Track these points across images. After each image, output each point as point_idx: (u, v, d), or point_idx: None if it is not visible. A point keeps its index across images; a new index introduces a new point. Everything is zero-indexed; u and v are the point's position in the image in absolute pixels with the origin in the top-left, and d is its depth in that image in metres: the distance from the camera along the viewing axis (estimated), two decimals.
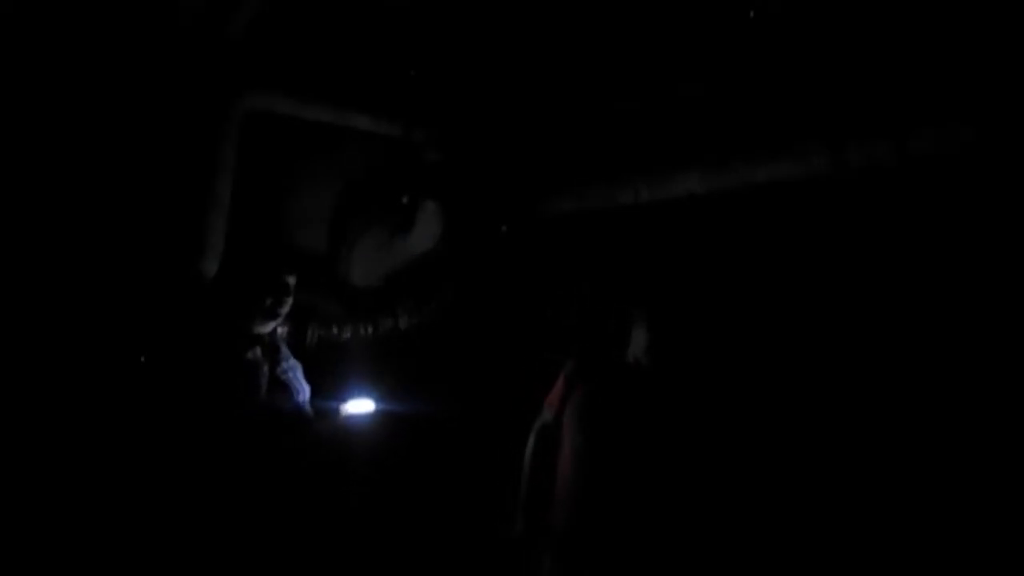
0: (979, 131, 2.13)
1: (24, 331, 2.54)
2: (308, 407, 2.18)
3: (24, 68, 2.52)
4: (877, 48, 2.34)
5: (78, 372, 2.55)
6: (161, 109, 2.79)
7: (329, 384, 2.31)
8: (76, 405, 2.46)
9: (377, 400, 2.26)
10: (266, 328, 2.18)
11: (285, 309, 2.18)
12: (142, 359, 2.27)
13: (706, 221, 2.86)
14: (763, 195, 2.64)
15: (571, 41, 2.65)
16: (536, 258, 3.44)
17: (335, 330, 3.08)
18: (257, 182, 3.05)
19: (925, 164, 2.26)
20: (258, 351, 2.14)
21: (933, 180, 2.32)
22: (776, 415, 2.51)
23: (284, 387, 2.15)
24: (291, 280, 2.18)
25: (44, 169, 2.64)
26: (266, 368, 2.13)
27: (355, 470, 2.20)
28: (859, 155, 2.35)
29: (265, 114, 2.94)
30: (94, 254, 2.71)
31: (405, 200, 3.34)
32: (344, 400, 2.23)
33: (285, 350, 2.24)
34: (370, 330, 3.14)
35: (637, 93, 2.84)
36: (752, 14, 2.31)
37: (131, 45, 2.61)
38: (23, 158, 2.60)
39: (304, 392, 2.19)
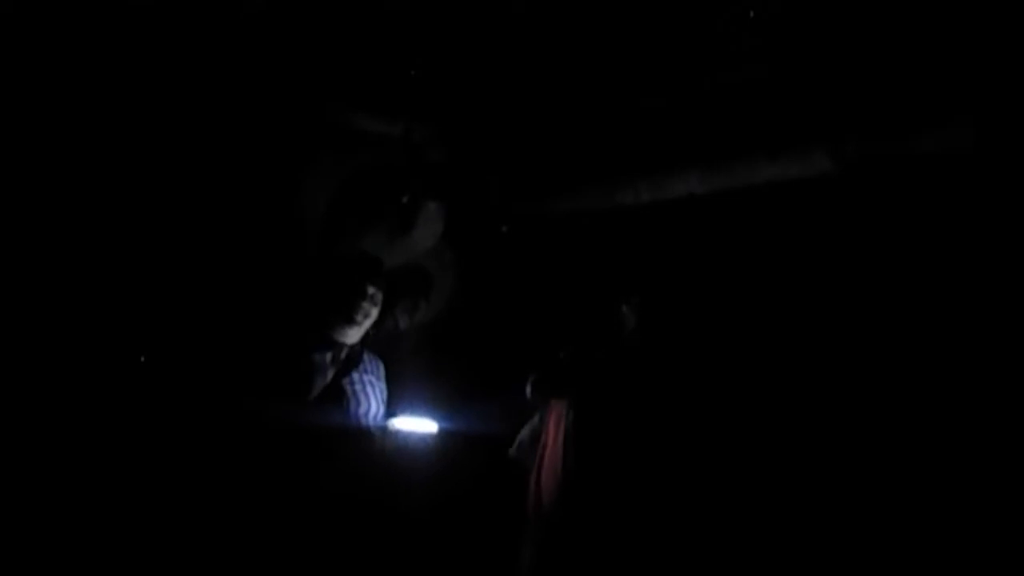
0: (979, 131, 2.13)
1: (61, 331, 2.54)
2: (365, 421, 2.12)
3: (22, 67, 2.52)
4: (877, 48, 2.34)
5: (102, 369, 2.55)
6: (163, 108, 2.80)
7: None
8: (94, 401, 2.46)
9: (431, 417, 2.20)
10: (348, 337, 2.15)
11: (363, 318, 2.14)
12: (142, 359, 2.27)
13: (707, 221, 2.86)
14: (764, 195, 2.64)
15: (572, 42, 2.65)
16: (536, 258, 3.44)
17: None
18: (257, 182, 3.05)
19: (925, 164, 2.27)
20: (327, 356, 2.10)
21: (932, 180, 2.32)
22: (776, 415, 2.51)
23: (343, 397, 2.10)
24: (371, 290, 2.14)
25: (53, 169, 2.65)
26: (330, 374, 2.10)
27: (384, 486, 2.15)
28: (859, 155, 2.35)
29: (266, 114, 2.95)
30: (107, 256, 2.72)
31: (405, 200, 3.33)
32: (395, 415, 2.19)
33: (370, 363, 2.20)
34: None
35: (637, 93, 2.84)
36: (752, 14, 2.31)
37: (129, 48, 2.61)
38: (32, 158, 2.61)
39: (367, 406, 2.13)
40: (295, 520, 1.95)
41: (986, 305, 2.29)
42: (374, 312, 2.18)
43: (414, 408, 2.24)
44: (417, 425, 2.18)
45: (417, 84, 2.99)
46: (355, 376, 2.14)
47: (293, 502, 1.96)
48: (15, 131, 2.57)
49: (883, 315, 2.47)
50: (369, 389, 2.15)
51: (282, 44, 2.76)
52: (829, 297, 2.59)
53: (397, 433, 2.16)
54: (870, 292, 2.51)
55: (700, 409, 2.27)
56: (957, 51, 2.21)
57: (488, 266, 3.50)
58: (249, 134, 2.97)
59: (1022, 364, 2.19)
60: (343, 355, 2.15)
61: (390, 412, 2.22)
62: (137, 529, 2.19)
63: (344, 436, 2.07)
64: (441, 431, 2.22)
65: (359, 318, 2.14)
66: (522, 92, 3.04)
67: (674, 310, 2.40)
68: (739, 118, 2.66)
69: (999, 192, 2.24)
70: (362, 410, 2.12)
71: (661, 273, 2.62)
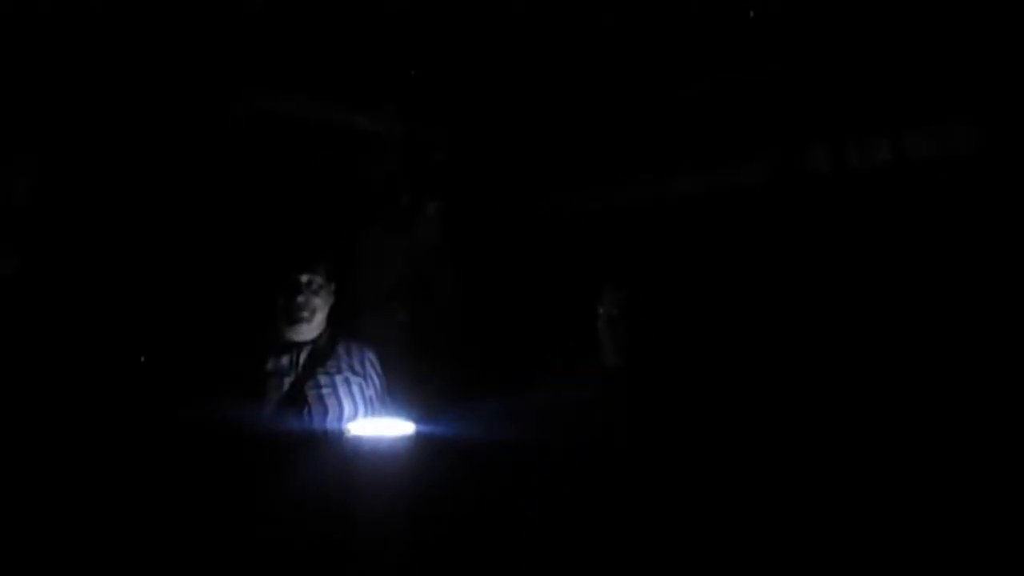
0: (978, 133, 2.13)
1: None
2: (337, 426, 1.90)
3: (22, 67, 2.52)
4: (877, 48, 2.34)
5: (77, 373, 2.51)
6: (162, 107, 2.80)
7: None
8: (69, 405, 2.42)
9: (400, 418, 1.96)
10: (301, 335, 1.96)
11: (307, 313, 1.94)
12: (142, 359, 2.23)
13: (706, 221, 2.86)
14: (763, 195, 2.64)
15: (571, 42, 2.66)
16: (537, 258, 3.44)
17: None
18: (257, 182, 3.05)
19: (924, 165, 2.27)
20: (284, 361, 1.93)
21: (932, 181, 2.32)
22: (775, 416, 2.51)
23: (304, 405, 1.90)
24: (305, 278, 1.94)
25: (52, 172, 2.65)
26: (287, 380, 1.91)
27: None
28: (858, 155, 2.35)
29: (266, 114, 2.95)
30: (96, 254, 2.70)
31: (406, 200, 3.34)
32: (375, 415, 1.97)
33: (348, 357, 2.01)
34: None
35: (637, 93, 2.85)
36: (752, 14, 2.31)
37: (129, 44, 2.61)
38: (31, 161, 2.61)
39: (339, 410, 1.92)
40: (248, 537, 1.79)
41: (987, 307, 2.28)
42: (319, 301, 1.96)
43: (396, 410, 2.05)
44: (392, 428, 1.96)
45: (417, 84, 2.99)
46: (322, 379, 1.93)
47: (244, 519, 1.80)
48: (15, 132, 2.58)
49: (882, 317, 2.47)
50: (343, 391, 1.95)
51: (282, 44, 2.76)
52: (828, 299, 2.58)
53: (361, 439, 1.90)
54: (869, 294, 2.51)
55: (698, 409, 2.26)
56: (958, 51, 2.21)
57: (488, 266, 3.50)
58: (247, 136, 2.97)
59: (1020, 366, 2.19)
60: (304, 356, 1.95)
61: (382, 408, 2.03)
62: (94, 538, 2.11)
63: (300, 448, 1.85)
64: (418, 433, 2.05)
65: (304, 315, 1.93)
66: (522, 92, 3.05)
67: (670, 310, 2.40)
68: (738, 118, 2.66)
69: (999, 194, 2.24)
70: (331, 416, 1.91)
71: (658, 273, 2.62)
